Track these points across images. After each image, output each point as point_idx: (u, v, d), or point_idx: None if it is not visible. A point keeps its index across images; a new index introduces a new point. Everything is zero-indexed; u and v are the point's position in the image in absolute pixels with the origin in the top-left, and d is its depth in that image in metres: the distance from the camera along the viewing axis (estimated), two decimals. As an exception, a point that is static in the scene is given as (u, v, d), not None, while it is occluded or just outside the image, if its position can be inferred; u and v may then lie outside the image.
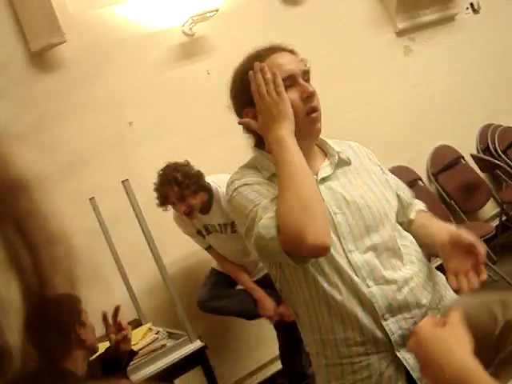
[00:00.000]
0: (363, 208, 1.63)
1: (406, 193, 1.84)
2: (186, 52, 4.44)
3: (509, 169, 5.42)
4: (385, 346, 1.58)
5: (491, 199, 5.62)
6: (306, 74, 1.67)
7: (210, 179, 3.61)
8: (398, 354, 1.57)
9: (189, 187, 3.44)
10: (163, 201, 3.49)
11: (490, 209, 5.74)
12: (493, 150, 5.65)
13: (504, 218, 5.64)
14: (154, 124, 4.19)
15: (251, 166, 1.72)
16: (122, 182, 3.12)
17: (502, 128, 5.77)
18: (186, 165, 3.56)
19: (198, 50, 4.49)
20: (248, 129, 1.74)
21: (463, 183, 5.44)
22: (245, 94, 1.65)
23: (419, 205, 1.88)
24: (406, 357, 1.56)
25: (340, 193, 1.65)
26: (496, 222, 5.64)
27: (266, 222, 1.51)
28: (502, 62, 6.09)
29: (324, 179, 1.67)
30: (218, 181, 3.58)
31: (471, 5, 6.09)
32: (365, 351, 1.60)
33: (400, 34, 5.52)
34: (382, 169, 1.82)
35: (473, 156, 5.46)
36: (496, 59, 6.07)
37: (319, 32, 5.01)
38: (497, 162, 5.42)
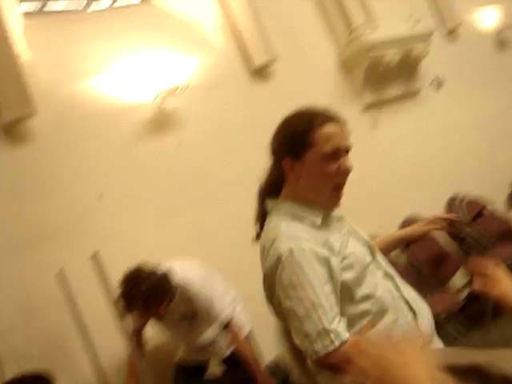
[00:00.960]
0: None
1: None
2: (157, 125, 4.49)
3: (477, 238, 5.48)
4: None
5: (461, 270, 5.64)
6: (347, 152, 1.82)
7: (177, 272, 3.44)
8: None
9: (150, 304, 3.28)
10: (126, 312, 3.30)
11: (460, 280, 5.75)
12: (461, 222, 5.70)
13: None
14: (124, 196, 4.18)
15: (291, 216, 1.81)
16: (92, 254, 3.08)
17: (468, 198, 5.87)
18: (150, 273, 3.31)
19: (169, 123, 4.54)
20: (271, 175, 1.91)
21: (433, 253, 5.47)
22: (296, 146, 1.79)
23: None
24: None
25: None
26: (465, 294, 5.65)
27: (325, 342, 1.59)
28: (465, 134, 6.26)
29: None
30: (184, 271, 3.48)
31: (434, 80, 6.30)
32: None
33: (367, 108, 5.66)
34: None
35: (441, 226, 5.49)
36: (459, 131, 6.24)
37: (288, 107, 5.08)
38: (465, 232, 5.47)
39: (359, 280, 1.72)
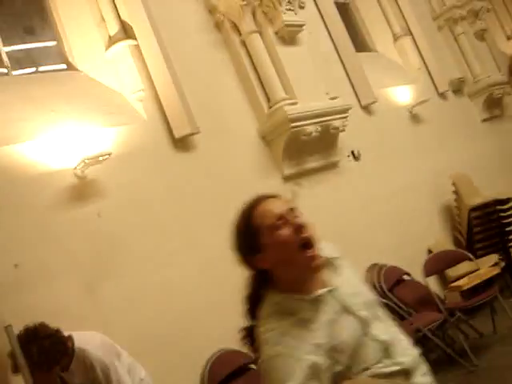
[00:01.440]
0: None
1: None
2: (78, 194, 4.41)
3: (395, 307, 5.59)
4: None
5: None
6: (293, 211, 1.79)
7: (77, 339, 3.35)
8: None
9: (42, 366, 3.13)
10: (15, 371, 3.11)
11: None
12: (379, 289, 5.83)
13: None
14: (41, 266, 4.03)
15: (280, 312, 1.76)
16: (5, 327, 2.93)
17: (386, 267, 6.00)
18: (47, 335, 3.19)
19: (90, 192, 4.47)
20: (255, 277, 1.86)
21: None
22: (250, 246, 1.79)
23: None
24: None
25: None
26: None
27: None
28: (383, 205, 6.48)
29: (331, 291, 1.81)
30: (84, 340, 3.38)
31: (352, 152, 6.53)
32: None
33: (287, 179, 5.78)
34: None
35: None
36: (377, 202, 6.46)
37: (209, 177, 5.18)
38: (384, 300, 5.58)
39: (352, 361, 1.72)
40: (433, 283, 6.38)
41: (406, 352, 1.83)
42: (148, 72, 5.16)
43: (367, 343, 1.76)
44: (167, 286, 4.52)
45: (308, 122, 5.73)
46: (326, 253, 1.87)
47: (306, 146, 5.87)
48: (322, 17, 7.20)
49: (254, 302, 1.86)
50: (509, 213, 6.90)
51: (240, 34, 5.95)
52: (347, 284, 1.85)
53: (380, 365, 1.75)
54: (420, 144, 7.41)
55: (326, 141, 6.08)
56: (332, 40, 7.16)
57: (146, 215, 4.67)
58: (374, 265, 6.07)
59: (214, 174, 5.25)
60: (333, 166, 6.26)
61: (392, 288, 5.91)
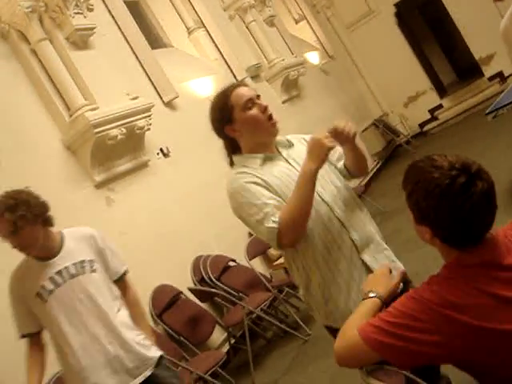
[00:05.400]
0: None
1: None
2: None
3: (226, 294, 5.73)
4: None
5: (217, 326, 5.83)
6: (258, 97, 2.45)
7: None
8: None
9: (25, 216, 2.92)
10: None
11: (218, 336, 5.94)
12: (208, 280, 5.93)
13: (233, 340, 5.89)
14: None
15: (240, 165, 2.45)
16: None
17: (211, 257, 6.12)
18: (28, 192, 3.05)
19: None
20: (226, 143, 2.54)
21: (187, 317, 5.58)
22: (225, 116, 2.42)
23: None
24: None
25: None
26: (227, 347, 5.85)
27: (270, 231, 2.25)
28: (198, 198, 6.58)
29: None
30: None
31: (161, 150, 6.55)
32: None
33: (99, 186, 5.65)
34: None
35: (190, 289, 5.68)
36: (192, 196, 6.54)
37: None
38: (213, 290, 5.70)
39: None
40: (258, 265, 6.62)
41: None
42: None
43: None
44: None
45: (112, 125, 5.63)
46: (288, 137, 2.57)
47: (114, 150, 5.78)
48: (113, 17, 7.08)
49: (230, 160, 2.54)
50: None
51: (29, 43, 5.69)
52: (295, 152, 2.50)
53: None
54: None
55: (133, 142, 6.03)
56: (126, 40, 7.07)
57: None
58: (199, 257, 6.15)
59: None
60: (143, 165, 6.22)
61: (220, 276, 6.04)
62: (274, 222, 2.23)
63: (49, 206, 3.11)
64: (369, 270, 2.32)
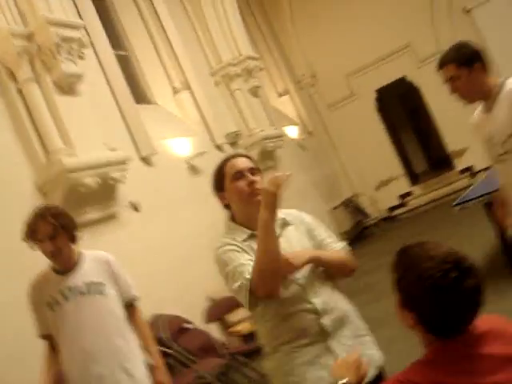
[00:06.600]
0: None
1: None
2: None
3: (179, 356, 5.61)
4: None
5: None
6: (252, 170, 2.49)
7: None
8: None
9: (64, 226, 3.24)
10: (31, 234, 3.20)
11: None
12: (164, 340, 5.81)
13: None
14: None
15: (230, 235, 2.49)
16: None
17: (168, 317, 6.02)
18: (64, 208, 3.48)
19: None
20: (224, 208, 2.58)
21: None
22: (218, 183, 2.53)
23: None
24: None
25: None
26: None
27: (241, 286, 2.30)
28: (163, 255, 6.54)
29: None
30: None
31: (131, 203, 6.54)
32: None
33: (65, 232, 5.58)
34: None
35: (144, 347, 5.55)
36: (157, 252, 6.51)
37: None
38: (167, 350, 5.58)
39: None
40: (215, 329, 6.54)
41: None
42: None
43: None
44: None
45: (86, 173, 5.66)
46: (283, 215, 2.52)
47: (86, 198, 5.77)
48: (102, 68, 7.22)
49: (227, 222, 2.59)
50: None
51: (17, 82, 5.75)
52: (290, 232, 2.52)
53: None
54: (197, 195, 7.64)
55: (106, 192, 6.03)
56: (112, 91, 7.19)
57: None
58: (157, 315, 6.05)
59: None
60: (113, 217, 6.20)
61: (175, 337, 5.93)
62: (246, 279, 2.28)
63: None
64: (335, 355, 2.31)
